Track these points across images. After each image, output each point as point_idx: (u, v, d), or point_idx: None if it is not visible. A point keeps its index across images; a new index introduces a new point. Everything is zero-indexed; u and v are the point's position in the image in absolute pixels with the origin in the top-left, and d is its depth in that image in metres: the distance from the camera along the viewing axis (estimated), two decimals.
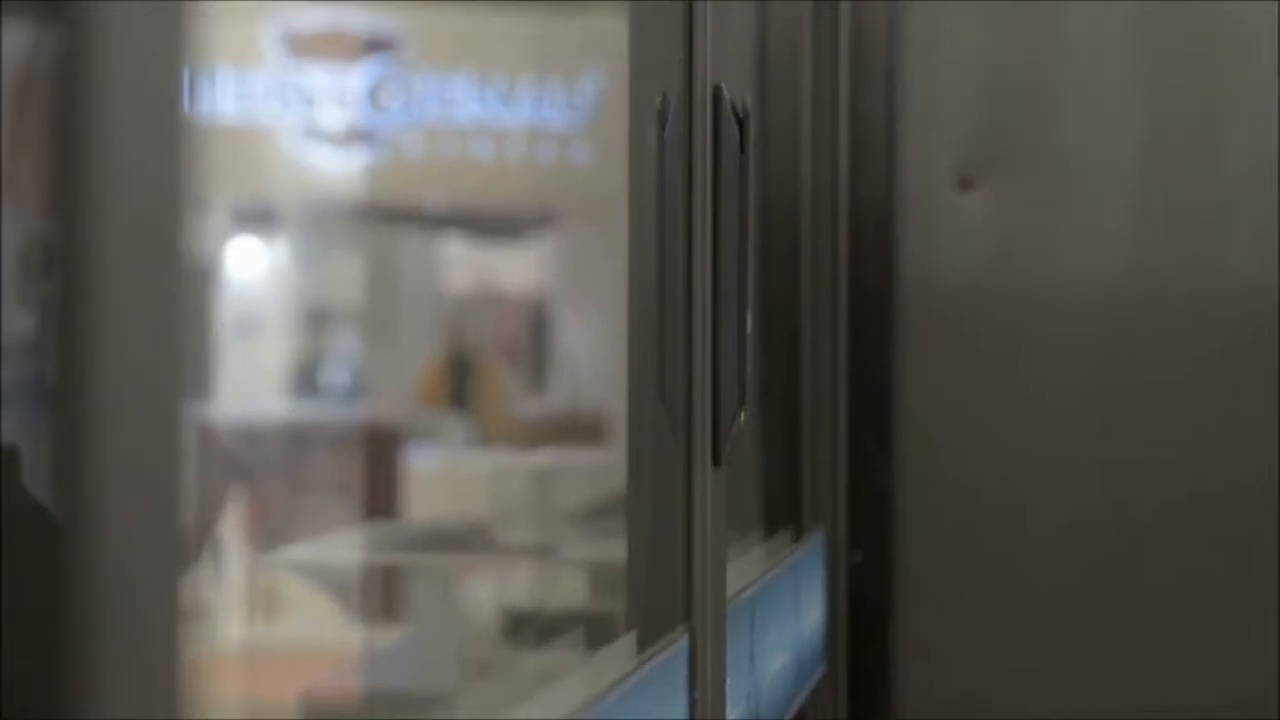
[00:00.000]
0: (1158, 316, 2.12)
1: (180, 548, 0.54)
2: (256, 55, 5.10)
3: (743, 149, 1.09)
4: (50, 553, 0.50)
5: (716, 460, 1.07)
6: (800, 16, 1.98)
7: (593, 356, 5.11)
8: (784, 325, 1.92)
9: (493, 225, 5.75)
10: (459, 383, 5.40)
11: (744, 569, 1.46)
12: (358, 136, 5.30)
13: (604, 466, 3.80)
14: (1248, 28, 2.09)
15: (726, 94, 1.10)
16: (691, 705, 1.06)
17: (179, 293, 0.53)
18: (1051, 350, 2.10)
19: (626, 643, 1.08)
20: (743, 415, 1.08)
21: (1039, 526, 2.06)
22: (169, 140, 0.53)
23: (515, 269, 5.87)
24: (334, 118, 5.22)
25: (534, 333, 5.74)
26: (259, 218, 5.38)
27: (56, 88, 0.50)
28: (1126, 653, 2.03)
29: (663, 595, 1.09)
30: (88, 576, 0.50)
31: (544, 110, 5.32)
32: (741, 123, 1.09)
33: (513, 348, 5.81)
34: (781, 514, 1.86)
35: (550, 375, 5.60)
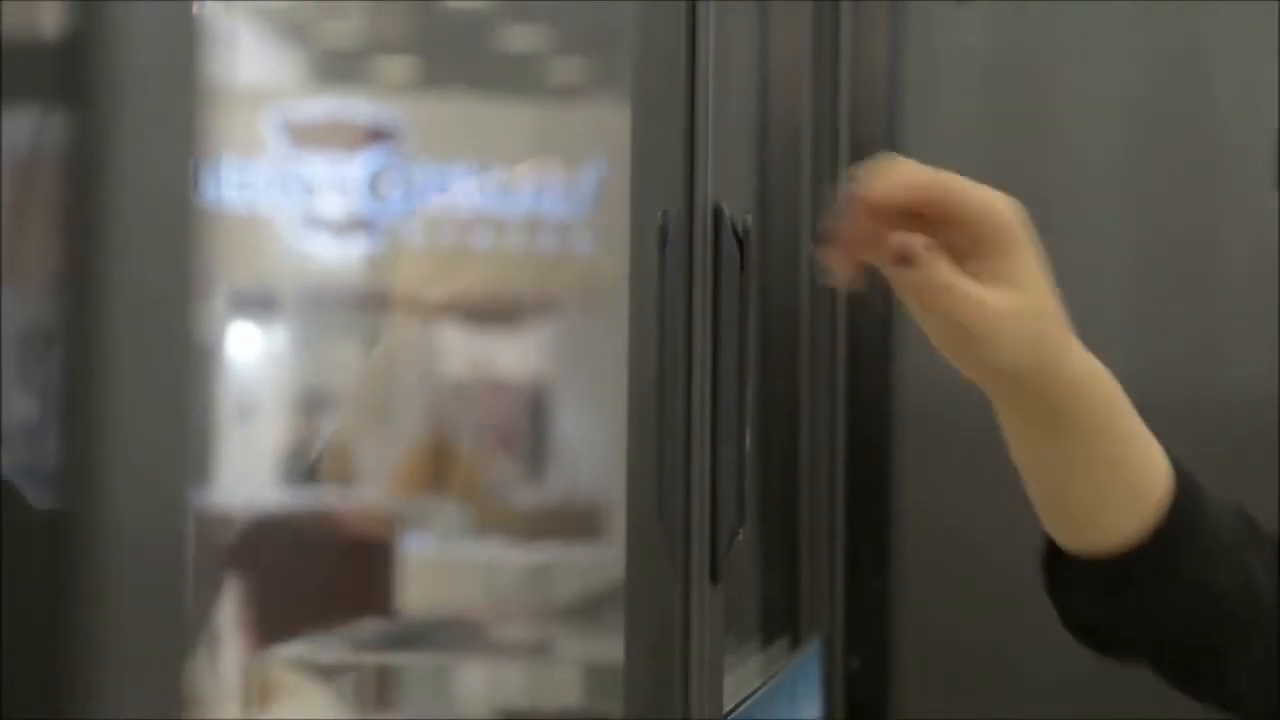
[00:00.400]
0: (1154, 421, 2.11)
1: (182, 636, 0.53)
2: (258, 144, 5.12)
3: (743, 267, 1.09)
4: (50, 634, 0.50)
5: (715, 578, 1.07)
6: (800, 112, 1.99)
7: (590, 446, 5.10)
8: (781, 431, 1.91)
9: (491, 313, 5.76)
10: (439, 469, 5.37)
11: (741, 680, 1.45)
12: (357, 225, 5.31)
13: (600, 561, 3.79)
14: (1245, 129, 2.10)
15: (727, 212, 1.10)
16: None
17: (186, 378, 0.53)
18: None
19: None
20: (741, 533, 1.08)
21: (1039, 632, 2.05)
22: (179, 226, 0.53)
23: (513, 356, 5.87)
24: (334, 206, 5.24)
25: (531, 420, 5.73)
26: (259, 303, 5.39)
27: (67, 172, 0.50)
28: None
29: (661, 703, 1.08)
30: (88, 662, 0.50)
31: (544, 199, 5.34)
32: (742, 242, 1.10)
33: (508, 435, 5.80)
34: (778, 621, 1.85)
35: (547, 464, 5.59)
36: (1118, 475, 1.12)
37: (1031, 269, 1.08)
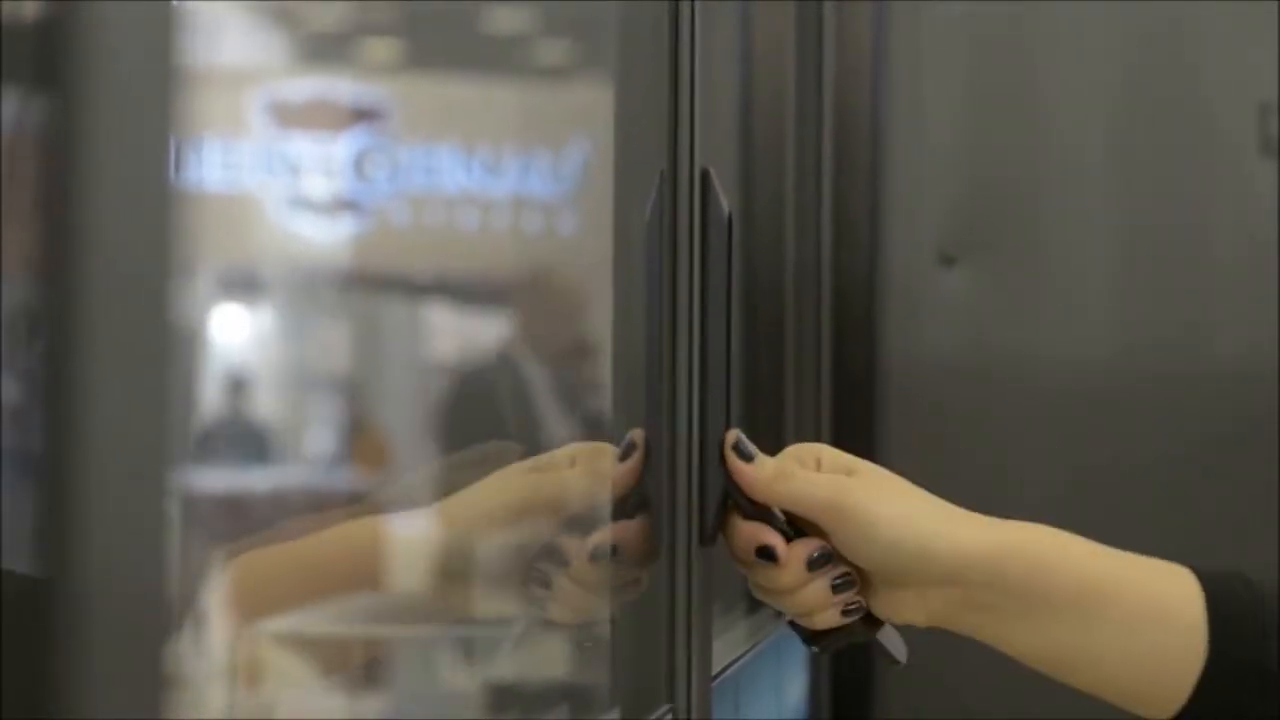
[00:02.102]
0: (1143, 399, 2.12)
1: (166, 617, 0.53)
2: (243, 125, 5.11)
3: (728, 254, 1.09)
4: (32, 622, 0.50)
5: (704, 540, 1.07)
6: (785, 94, 1.99)
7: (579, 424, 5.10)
8: (768, 403, 1.92)
9: (477, 293, 5.77)
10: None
11: (728, 645, 1.46)
12: (343, 205, 5.31)
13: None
14: (1231, 112, 2.10)
15: (714, 175, 1.10)
16: None
17: (167, 361, 0.53)
18: (1034, 432, 2.10)
19: (611, 718, 1.08)
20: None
21: None
22: (157, 209, 0.53)
23: (498, 336, 5.87)
24: (319, 187, 5.24)
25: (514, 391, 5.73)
26: (244, 285, 5.39)
27: (45, 156, 0.50)
28: None
29: (648, 670, 1.09)
30: (71, 647, 0.50)
31: (529, 180, 5.34)
32: (729, 228, 1.10)
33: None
34: None
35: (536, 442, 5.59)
36: (1134, 631, 1.02)
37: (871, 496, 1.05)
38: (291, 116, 5.20)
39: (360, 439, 5.33)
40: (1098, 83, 2.13)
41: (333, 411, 5.52)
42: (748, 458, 1.05)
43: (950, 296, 2.09)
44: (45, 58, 0.49)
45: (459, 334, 5.72)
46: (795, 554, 1.02)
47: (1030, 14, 2.13)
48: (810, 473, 1.04)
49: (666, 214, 1.08)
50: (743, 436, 1.06)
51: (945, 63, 2.13)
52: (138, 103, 0.51)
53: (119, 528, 0.51)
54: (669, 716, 1.07)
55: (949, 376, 2.11)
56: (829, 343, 2.07)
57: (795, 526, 1.04)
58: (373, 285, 5.54)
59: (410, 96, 5.47)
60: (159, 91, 0.52)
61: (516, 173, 5.36)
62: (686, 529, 1.07)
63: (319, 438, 5.44)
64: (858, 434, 2.07)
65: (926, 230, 2.09)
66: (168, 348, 0.52)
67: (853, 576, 1.03)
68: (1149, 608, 1.03)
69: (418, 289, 5.60)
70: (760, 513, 1.03)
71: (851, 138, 2.11)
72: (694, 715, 1.10)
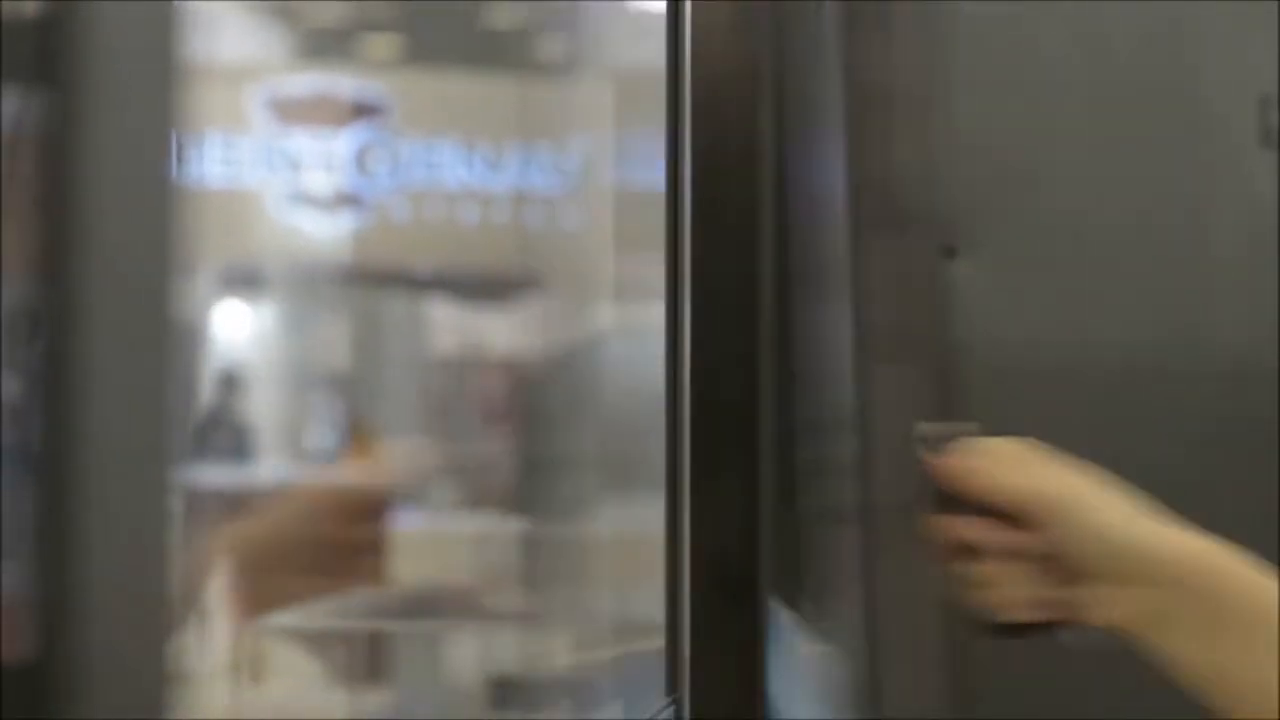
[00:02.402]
0: (1142, 391, 2.12)
1: (166, 612, 0.54)
2: (244, 120, 5.11)
3: None
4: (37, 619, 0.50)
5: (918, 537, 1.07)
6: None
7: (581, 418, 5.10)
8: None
9: (479, 288, 5.77)
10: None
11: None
12: (344, 201, 5.31)
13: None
14: (1232, 103, 2.10)
15: None
16: None
17: (166, 357, 0.53)
18: (1034, 425, 2.09)
19: (613, 711, 1.08)
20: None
21: None
22: (157, 205, 0.53)
23: (501, 331, 5.88)
24: (320, 182, 5.23)
25: (520, 395, 5.74)
26: (246, 281, 5.39)
27: (45, 153, 0.50)
28: None
29: (649, 665, 1.09)
30: (73, 641, 0.50)
31: (530, 174, 5.34)
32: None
33: (498, 410, 5.80)
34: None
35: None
36: None
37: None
38: (292, 112, 5.20)
39: (358, 434, 5.33)
40: (1097, 74, 2.13)
41: (332, 406, 5.52)
42: (959, 453, 1.05)
43: (950, 289, 2.09)
44: (46, 55, 0.49)
45: (460, 328, 5.72)
46: (999, 547, 1.02)
47: (1030, 9, 2.13)
48: (1032, 468, 1.04)
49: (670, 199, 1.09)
50: (953, 432, 1.06)
51: (946, 55, 2.13)
52: (138, 99, 0.51)
53: (120, 523, 0.51)
54: (670, 710, 1.07)
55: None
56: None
57: (998, 518, 1.03)
58: (373, 280, 5.54)
59: (411, 92, 5.46)
60: (159, 88, 0.52)
61: (517, 167, 5.36)
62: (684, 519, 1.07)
63: (318, 433, 5.44)
64: None
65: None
66: (168, 344, 0.52)
67: (1057, 572, 1.02)
68: None
69: (418, 284, 5.60)
70: (965, 506, 1.03)
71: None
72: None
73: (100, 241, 0.50)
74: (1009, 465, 1.04)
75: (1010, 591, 1.03)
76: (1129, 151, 2.14)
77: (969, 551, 1.02)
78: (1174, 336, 2.10)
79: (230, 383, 5.35)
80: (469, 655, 3.33)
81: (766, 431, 1.85)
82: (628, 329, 1.25)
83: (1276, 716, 1.01)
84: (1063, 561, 1.02)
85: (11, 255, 0.54)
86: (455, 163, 5.35)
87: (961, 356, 2.04)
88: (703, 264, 1.19)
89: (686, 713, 1.09)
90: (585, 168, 5.14)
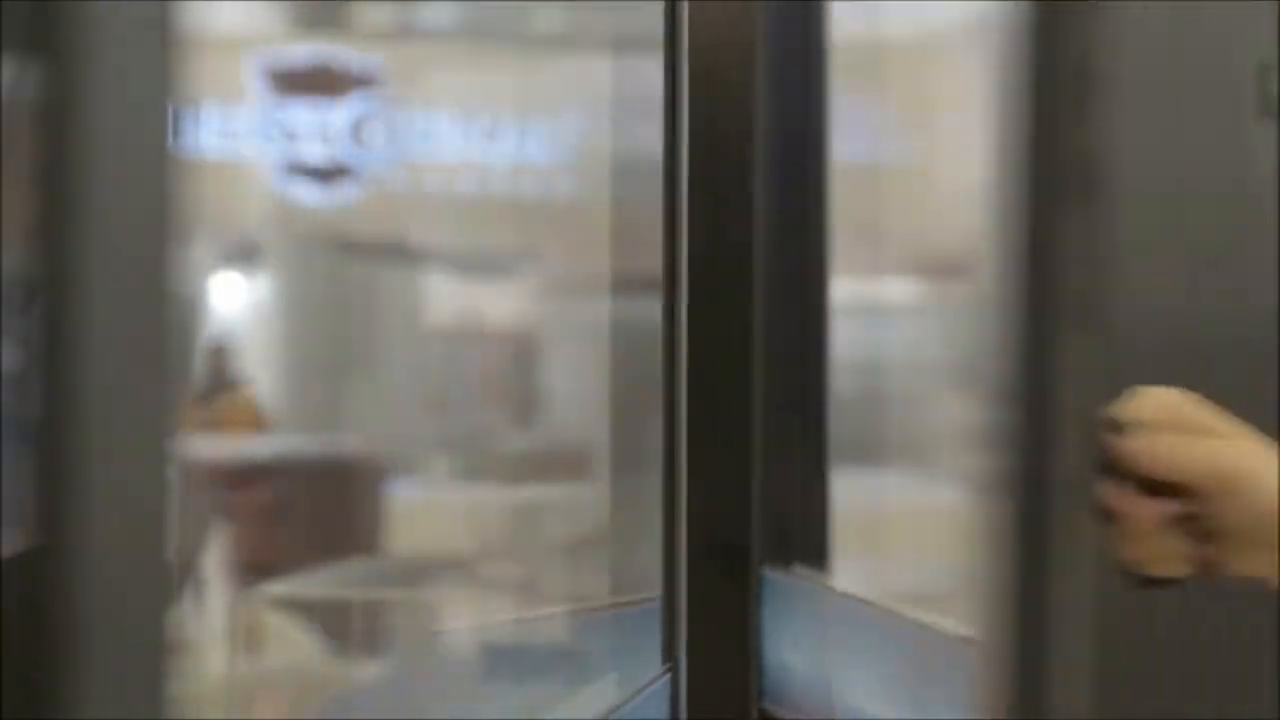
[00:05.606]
0: (1147, 360, 2.11)
1: (164, 582, 0.54)
2: (239, 91, 5.10)
3: None
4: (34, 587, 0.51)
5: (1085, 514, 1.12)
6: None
7: (576, 391, 5.11)
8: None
9: (476, 260, 5.76)
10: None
11: None
12: (341, 172, 5.30)
13: (586, 502, 3.80)
14: (1230, 71, 2.10)
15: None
16: None
17: (164, 327, 0.54)
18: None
19: (609, 682, 1.09)
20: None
21: None
22: (154, 175, 0.54)
23: (498, 304, 5.87)
24: (317, 153, 5.22)
25: (517, 367, 5.73)
26: (241, 251, 5.38)
27: (42, 123, 0.50)
28: None
29: (645, 631, 1.10)
30: (72, 610, 0.50)
31: (527, 146, 5.33)
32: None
33: (495, 382, 5.81)
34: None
35: (533, 410, 5.60)
36: None
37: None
38: (289, 83, 5.19)
39: (237, 397, 5.30)
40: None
41: (327, 377, 5.51)
42: (1118, 429, 1.12)
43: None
44: (43, 25, 0.49)
45: (457, 301, 5.71)
46: (1150, 514, 1.11)
47: None
48: (1189, 441, 1.10)
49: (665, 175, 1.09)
50: (1113, 408, 1.13)
51: None
52: (135, 69, 0.51)
53: (118, 493, 0.51)
54: (666, 679, 1.08)
55: None
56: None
57: (1160, 487, 1.10)
58: (370, 251, 5.54)
59: (408, 63, 5.45)
60: (156, 58, 0.52)
61: (515, 139, 5.35)
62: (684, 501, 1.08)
63: (314, 404, 5.44)
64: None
65: None
66: (165, 314, 0.52)
67: (1206, 533, 1.11)
68: None
69: (415, 255, 5.60)
70: (1129, 476, 1.11)
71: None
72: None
73: (98, 211, 0.51)
74: (1179, 437, 1.11)
75: (1158, 548, 1.12)
76: (1123, 120, 2.14)
77: (1124, 515, 1.10)
78: (1168, 304, 2.10)
79: (224, 353, 5.34)
80: (465, 625, 3.33)
81: (758, 401, 1.85)
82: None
83: None
84: (1212, 523, 1.11)
85: (9, 224, 0.54)
86: (452, 134, 5.35)
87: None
88: (699, 243, 1.19)
89: (683, 681, 1.09)
90: (582, 139, 5.14)
